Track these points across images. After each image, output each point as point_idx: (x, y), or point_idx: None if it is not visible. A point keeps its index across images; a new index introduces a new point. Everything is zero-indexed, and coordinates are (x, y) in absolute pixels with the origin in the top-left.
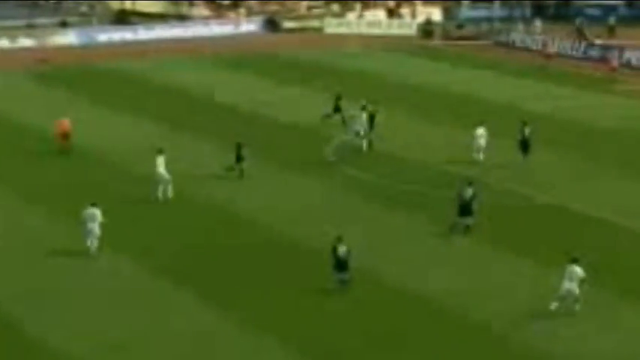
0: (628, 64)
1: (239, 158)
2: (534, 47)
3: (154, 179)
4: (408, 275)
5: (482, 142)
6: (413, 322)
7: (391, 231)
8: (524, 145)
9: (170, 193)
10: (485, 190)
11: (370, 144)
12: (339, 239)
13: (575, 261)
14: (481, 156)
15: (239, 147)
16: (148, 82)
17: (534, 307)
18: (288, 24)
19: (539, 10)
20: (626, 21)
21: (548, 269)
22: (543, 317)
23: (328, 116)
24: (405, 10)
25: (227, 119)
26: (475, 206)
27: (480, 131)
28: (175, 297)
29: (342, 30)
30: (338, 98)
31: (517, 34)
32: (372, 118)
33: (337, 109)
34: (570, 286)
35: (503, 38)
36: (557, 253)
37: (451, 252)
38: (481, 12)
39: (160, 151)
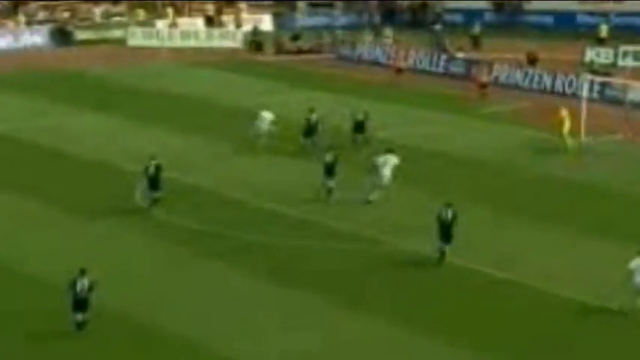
0: (496, 82)
1: None
2: (385, 61)
3: None
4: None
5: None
6: None
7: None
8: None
9: None
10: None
11: None
12: (82, 272)
13: None
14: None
15: None
16: None
17: None
18: (83, 35)
19: (390, 17)
20: (493, 29)
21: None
22: None
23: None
24: (227, 18)
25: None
26: (454, 230)
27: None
28: None
29: (150, 42)
30: None
31: (364, 46)
32: None
33: None
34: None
35: (347, 51)
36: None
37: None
38: (320, 19)
39: None
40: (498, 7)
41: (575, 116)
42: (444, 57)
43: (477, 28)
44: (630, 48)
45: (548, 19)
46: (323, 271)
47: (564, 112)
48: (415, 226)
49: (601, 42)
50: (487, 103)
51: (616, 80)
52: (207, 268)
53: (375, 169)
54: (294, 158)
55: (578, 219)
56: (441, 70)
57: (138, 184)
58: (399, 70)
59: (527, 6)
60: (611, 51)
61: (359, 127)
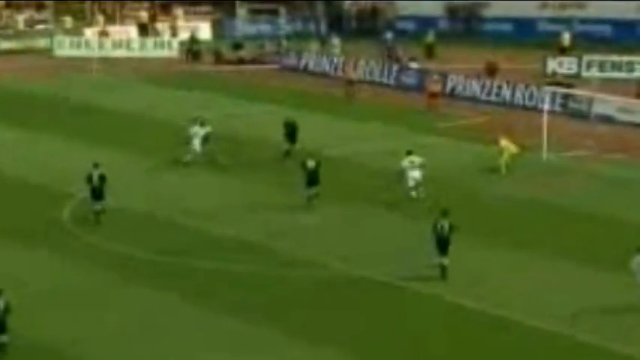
0: (452, 94)
1: None
2: (333, 72)
3: None
4: None
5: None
6: None
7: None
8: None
9: None
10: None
11: None
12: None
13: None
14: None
15: None
16: None
17: None
18: (4, 44)
19: (338, 25)
20: (448, 37)
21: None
22: None
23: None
24: (162, 26)
25: None
26: (451, 240)
27: None
28: None
29: (79, 52)
30: None
31: (310, 56)
32: None
33: None
34: None
35: (292, 61)
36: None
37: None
38: (263, 27)
39: None
40: (453, 14)
41: (536, 131)
42: (395, 68)
43: (430, 37)
44: (595, 57)
45: (507, 27)
46: (268, 299)
47: (504, 143)
48: (367, 250)
49: (564, 51)
50: (440, 116)
51: (580, 92)
52: (136, 294)
53: (400, 175)
54: (231, 175)
55: (536, 240)
56: (392, 81)
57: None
58: (350, 82)
59: (484, 12)
60: (574, 61)
61: (291, 135)
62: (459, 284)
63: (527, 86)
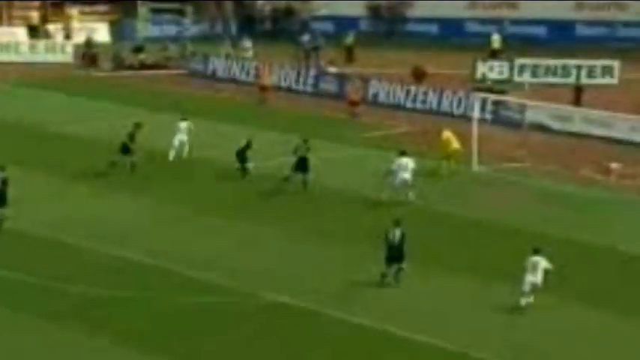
0: (374, 101)
1: None
2: (244, 78)
3: None
4: None
5: None
6: None
7: None
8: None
9: None
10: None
11: None
12: None
13: (537, 252)
14: None
15: None
16: None
17: None
18: None
19: (249, 26)
20: (370, 39)
21: None
22: None
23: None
24: (55, 27)
25: None
26: (405, 249)
27: None
28: None
29: None
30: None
31: (219, 60)
32: None
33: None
34: (534, 278)
35: (199, 66)
36: None
37: None
38: (167, 29)
39: None
40: (375, 14)
41: (465, 141)
42: (312, 72)
43: (350, 39)
44: (528, 61)
45: (433, 28)
46: (172, 329)
47: (447, 134)
48: (279, 271)
49: (494, 54)
50: (362, 125)
51: (512, 99)
52: (30, 326)
53: (390, 174)
54: (141, 193)
55: (465, 260)
56: (309, 88)
57: None
58: (264, 88)
59: (408, 13)
60: (505, 65)
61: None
62: (379, 309)
63: (455, 92)
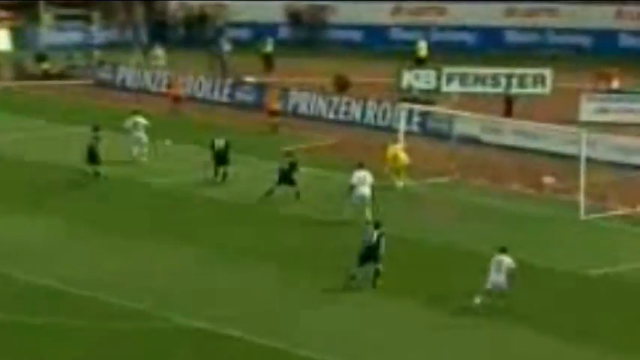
0: (294, 112)
1: None
2: (155, 88)
3: None
4: None
5: None
6: None
7: None
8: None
9: None
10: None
11: None
12: None
13: (503, 250)
14: None
15: None
16: None
17: None
18: None
19: (161, 33)
20: (290, 47)
21: None
22: None
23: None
24: None
25: None
26: (382, 250)
27: None
28: None
29: None
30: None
31: (129, 69)
32: None
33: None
34: (498, 278)
35: (108, 75)
36: None
37: None
38: (73, 36)
39: None
40: (295, 21)
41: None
42: (229, 82)
43: (269, 46)
44: (456, 70)
45: (356, 35)
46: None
47: (394, 149)
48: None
49: (420, 62)
50: (282, 138)
51: (440, 110)
52: None
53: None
54: (49, 211)
55: (388, 281)
56: (225, 98)
57: None
58: (176, 99)
59: (330, 19)
60: (433, 74)
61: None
62: (297, 333)
63: (379, 103)
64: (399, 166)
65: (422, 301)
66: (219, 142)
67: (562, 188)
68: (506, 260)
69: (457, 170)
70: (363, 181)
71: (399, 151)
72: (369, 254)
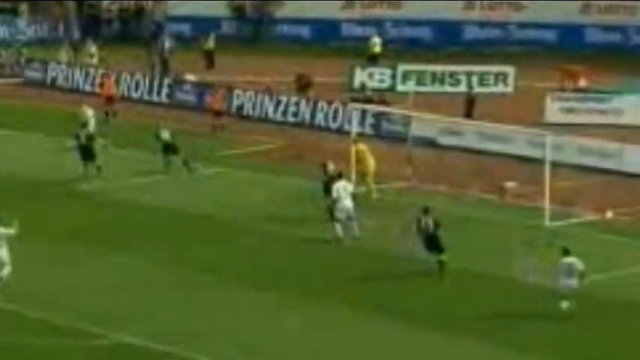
0: (239, 113)
1: None
2: (88, 88)
3: None
4: None
5: None
6: None
7: None
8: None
9: None
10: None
11: None
12: None
13: (567, 253)
14: None
15: None
16: None
17: None
18: None
19: (94, 28)
20: (233, 42)
21: None
22: None
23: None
24: None
25: None
26: (441, 238)
27: None
28: None
29: None
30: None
31: (60, 67)
32: None
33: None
34: (570, 282)
35: (37, 74)
36: None
37: None
38: (1, 31)
39: None
40: (239, 15)
41: (342, 158)
42: (167, 81)
43: (211, 42)
44: (412, 67)
45: (305, 30)
46: None
47: (362, 146)
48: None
49: (374, 60)
50: (226, 141)
51: (395, 111)
52: None
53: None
54: None
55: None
56: (164, 98)
57: None
58: (110, 99)
59: (276, 13)
60: (387, 72)
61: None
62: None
63: (330, 103)
64: (366, 169)
65: (376, 312)
66: (165, 134)
67: (525, 193)
68: (576, 263)
69: (414, 175)
70: (344, 192)
71: (365, 152)
72: (432, 244)
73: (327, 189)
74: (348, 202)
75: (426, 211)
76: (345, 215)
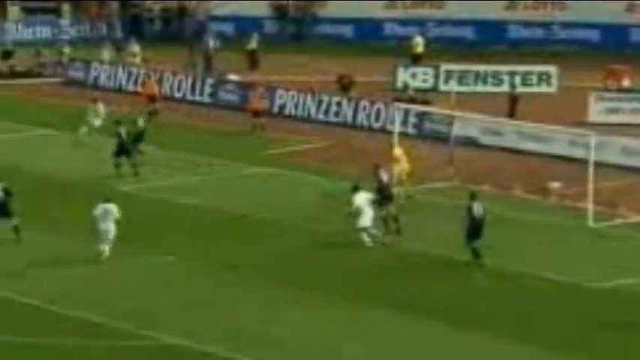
0: (281, 112)
1: None
2: (130, 87)
3: None
4: None
5: None
6: None
7: None
8: None
9: None
10: None
11: None
12: None
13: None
14: None
15: None
16: None
17: None
18: None
19: (136, 28)
20: (276, 43)
21: None
22: None
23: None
24: None
25: None
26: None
27: None
28: None
29: None
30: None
31: (102, 67)
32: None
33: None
34: None
35: (79, 73)
36: None
37: None
38: (41, 31)
39: None
40: (282, 15)
41: (384, 158)
42: (210, 80)
43: (253, 42)
44: (455, 67)
45: (347, 30)
46: None
47: (398, 152)
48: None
49: (417, 60)
50: (268, 141)
51: (438, 110)
52: None
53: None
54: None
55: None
56: (207, 98)
57: None
58: (152, 99)
59: (319, 13)
60: (430, 71)
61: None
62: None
63: (372, 103)
64: (403, 174)
65: (424, 317)
66: (140, 122)
67: (569, 194)
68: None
69: (456, 175)
70: (365, 203)
71: (400, 157)
72: (478, 230)
73: (383, 196)
74: (369, 211)
75: (473, 196)
76: (369, 224)
